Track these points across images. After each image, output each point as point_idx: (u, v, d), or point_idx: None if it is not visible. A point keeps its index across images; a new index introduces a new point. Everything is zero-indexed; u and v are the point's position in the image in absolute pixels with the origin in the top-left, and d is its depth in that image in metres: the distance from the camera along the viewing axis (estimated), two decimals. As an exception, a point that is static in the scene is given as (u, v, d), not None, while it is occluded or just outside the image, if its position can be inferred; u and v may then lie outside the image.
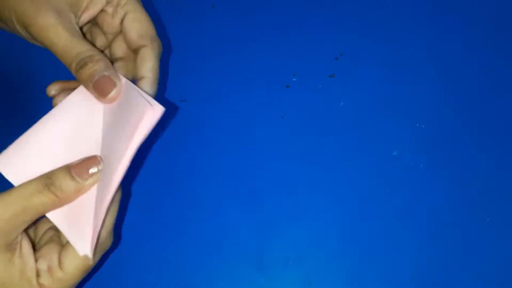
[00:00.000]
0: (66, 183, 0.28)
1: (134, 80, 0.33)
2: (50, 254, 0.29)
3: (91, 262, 0.29)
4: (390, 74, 0.45)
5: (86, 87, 0.30)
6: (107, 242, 0.31)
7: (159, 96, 0.36)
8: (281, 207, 0.39)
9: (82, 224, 0.29)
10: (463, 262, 0.36)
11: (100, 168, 0.29)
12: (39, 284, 0.28)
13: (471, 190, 0.39)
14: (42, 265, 0.28)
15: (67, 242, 0.29)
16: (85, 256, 0.28)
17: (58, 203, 0.28)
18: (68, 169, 0.28)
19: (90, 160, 0.29)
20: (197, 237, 0.39)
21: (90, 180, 0.29)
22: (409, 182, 0.40)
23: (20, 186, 0.28)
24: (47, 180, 0.28)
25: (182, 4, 0.50)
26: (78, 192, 0.28)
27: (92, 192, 0.29)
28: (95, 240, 0.29)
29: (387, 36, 0.47)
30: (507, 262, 0.36)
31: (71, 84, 0.33)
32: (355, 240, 0.37)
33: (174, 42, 0.47)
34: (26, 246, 0.28)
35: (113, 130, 0.30)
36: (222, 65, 0.46)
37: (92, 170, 0.29)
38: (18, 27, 0.30)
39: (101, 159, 0.30)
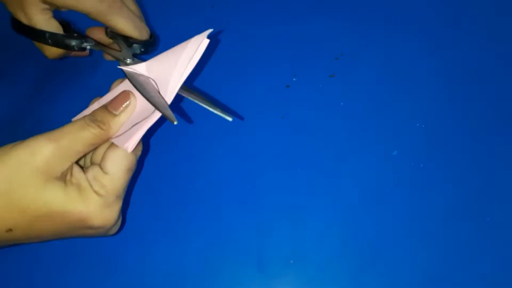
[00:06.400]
0: (105, 116, 0.33)
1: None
2: (92, 169, 0.33)
3: (132, 158, 0.33)
4: (390, 74, 0.45)
5: None
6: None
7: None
8: (281, 207, 0.39)
9: (130, 133, 0.34)
10: (463, 262, 0.37)
11: (131, 101, 0.35)
12: (94, 191, 0.32)
13: (471, 190, 0.39)
14: (89, 176, 0.32)
15: (105, 154, 0.33)
16: (124, 155, 0.33)
17: (104, 135, 0.33)
18: (105, 106, 0.34)
19: (122, 95, 0.35)
20: (197, 236, 0.39)
21: (124, 113, 0.34)
22: (409, 182, 0.40)
23: (70, 124, 0.32)
24: (91, 117, 0.33)
25: (182, 4, 0.50)
26: (117, 123, 0.34)
27: (139, 115, 0.34)
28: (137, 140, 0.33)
29: (387, 36, 0.47)
30: (507, 262, 0.36)
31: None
32: (355, 240, 0.38)
33: (174, 42, 0.47)
34: (76, 168, 0.33)
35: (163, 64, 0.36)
36: (221, 65, 0.46)
37: (125, 104, 0.34)
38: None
39: (133, 94, 0.35)
